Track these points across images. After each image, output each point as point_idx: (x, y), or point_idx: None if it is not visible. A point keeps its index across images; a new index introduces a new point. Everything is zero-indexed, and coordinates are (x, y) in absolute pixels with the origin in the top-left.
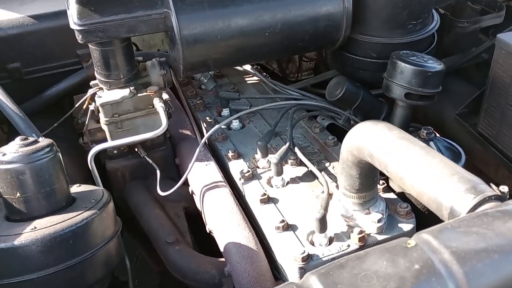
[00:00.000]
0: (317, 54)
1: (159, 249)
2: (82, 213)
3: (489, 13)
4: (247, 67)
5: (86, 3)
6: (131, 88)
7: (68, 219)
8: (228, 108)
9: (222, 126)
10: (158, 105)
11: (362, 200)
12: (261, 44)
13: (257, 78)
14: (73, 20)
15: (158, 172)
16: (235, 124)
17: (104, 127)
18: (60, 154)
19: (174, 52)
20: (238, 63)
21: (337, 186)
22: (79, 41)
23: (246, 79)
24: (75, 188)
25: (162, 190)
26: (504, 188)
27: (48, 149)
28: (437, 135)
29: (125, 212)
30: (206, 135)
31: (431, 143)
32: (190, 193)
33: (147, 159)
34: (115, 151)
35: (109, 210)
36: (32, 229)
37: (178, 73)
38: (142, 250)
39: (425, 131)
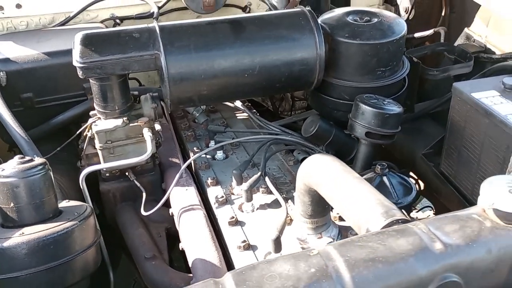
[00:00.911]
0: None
1: (138, 263)
2: (64, 223)
3: (461, 62)
4: (238, 103)
5: (87, 44)
6: (124, 118)
7: (52, 227)
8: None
9: (208, 156)
10: (147, 134)
11: (314, 225)
12: (241, 83)
13: (246, 114)
14: (76, 58)
15: (144, 194)
16: (219, 154)
17: (99, 152)
18: (51, 173)
19: (163, 88)
20: (222, 99)
21: None
22: (80, 76)
23: (237, 114)
24: (64, 203)
25: (147, 211)
26: (416, 214)
27: (41, 167)
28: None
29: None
30: (185, 163)
31: (384, 177)
32: (171, 214)
33: (136, 182)
34: (107, 174)
35: (90, 222)
36: (20, 234)
37: (167, 107)
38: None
39: (379, 167)
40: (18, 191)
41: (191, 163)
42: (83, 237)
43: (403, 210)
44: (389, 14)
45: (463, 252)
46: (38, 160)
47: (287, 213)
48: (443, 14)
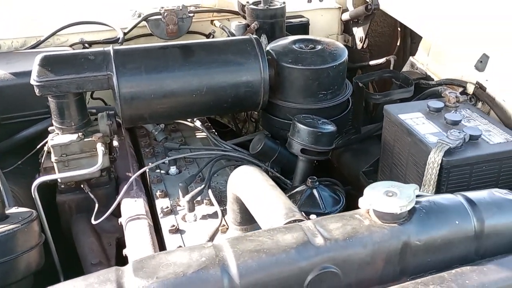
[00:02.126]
0: None
1: (85, 269)
2: (7, 226)
3: (404, 87)
4: (197, 123)
5: (45, 64)
6: (80, 134)
7: None
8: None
9: (162, 171)
10: (100, 148)
11: (244, 232)
12: (189, 103)
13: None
14: (33, 77)
15: (96, 205)
16: (172, 170)
17: (54, 165)
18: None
19: (116, 106)
20: (172, 118)
21: None
22: (37, 94)
23: (196, 134)
24: (13, 209)
25: (101, 223)
26: (312, 216)
27: None
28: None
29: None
30: (133, 176)
31: (314, 190)
32: (119, 224)
33: (90, 194)
34: (62, 186)
35: (33, 226)
36: None
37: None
38: None
39: (310, 180)
40: None
41: (146, 177)
42: (26, 239)
43: (303, 213)
44: (333, 42)
45: (341, 246)
46: None
47: (221, 222)
48: (398, 44)
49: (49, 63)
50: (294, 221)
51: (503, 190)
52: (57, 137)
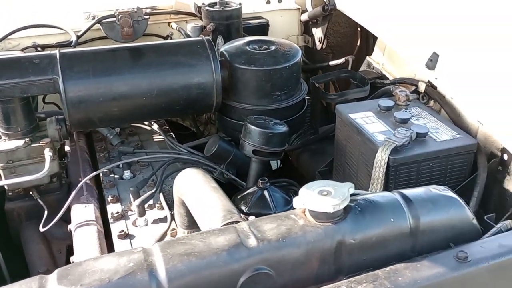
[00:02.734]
0: None
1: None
2: None
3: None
4: (155, 126)
5: None
6: (26, 139)
7: None
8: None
9: (116, 176)
10: (47, 154)
11: None
12: (140, 106)
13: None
14: None
15: (46, 212)
16: (127, 174)
17: (0, 172)
18: None
19: (63, 110)
20: (123, 121)
21: None
22: None
23: (154, 137)
24: None
25: (50, 229)
26: (251, 217)
27: None
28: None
29: None
30: (82, 181)
31: (265, 191)
32: (68, 230)
33: (39, 201)
34: (10, 193)
35: None
36: None
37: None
38: None
39: (261, 181)
40: None
41: (100, 183)
42: None
43: (242, 215)
44: (288, 43)
45: (274, 247)
46: None
47: (169, 226)
48: (358, 44)
49: None
50: (232, 223)
51: (440, 186)
52: (2, 143)
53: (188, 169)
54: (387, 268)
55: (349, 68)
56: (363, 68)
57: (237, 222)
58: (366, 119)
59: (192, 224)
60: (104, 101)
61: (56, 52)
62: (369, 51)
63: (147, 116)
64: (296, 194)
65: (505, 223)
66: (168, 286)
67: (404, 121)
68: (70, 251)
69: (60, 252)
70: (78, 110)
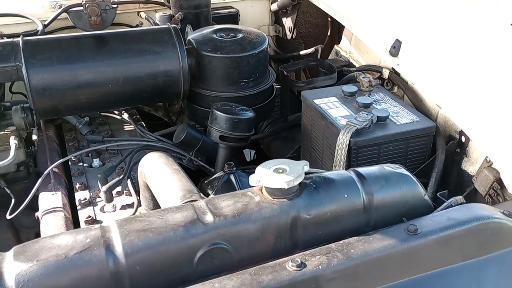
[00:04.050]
0: None
1: None
2: None
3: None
4: (125, 115)
5: None
6: None
7: None
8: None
9: (85, 164)
10: (12, 142)
11: None
12: (106, 94)
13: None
14: None
15: (13, 200)
16: (96, 162)
17: None
18: None
19: (28, 98)
20: (90, 109)
21: None
22: None
23: (124, 126)
24: None
25: (18, 218)
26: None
27: None
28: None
29: None
30: (48, 169)
31: (231, 176)
32: (36, 218)
33: (6, 189)
34: None
35: None
36: None
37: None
38: None
39: (227, 166)
40: None
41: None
42: None
43: (202, 195)
44: (255, 31)
45: (230, 223)
46: None
47: (136, 210)
48: (328, 33)
49: None
50: (190, 201)
51: (394, 165)
52: None
53: (151, 153)
54: (341, 242)
55: (318, 57)
56: (331, 56)
57: (196, 201)
58: (330, 104)
59: (157, 207)
60: (69, 89)
61: (19, 39)
62: (339, 40)
63: (114, 104)
64: None
65: (455, 198)
66: (124, 260)
67: (366, 106)
68: None
69: (29, 240)
70: (43, 98)
